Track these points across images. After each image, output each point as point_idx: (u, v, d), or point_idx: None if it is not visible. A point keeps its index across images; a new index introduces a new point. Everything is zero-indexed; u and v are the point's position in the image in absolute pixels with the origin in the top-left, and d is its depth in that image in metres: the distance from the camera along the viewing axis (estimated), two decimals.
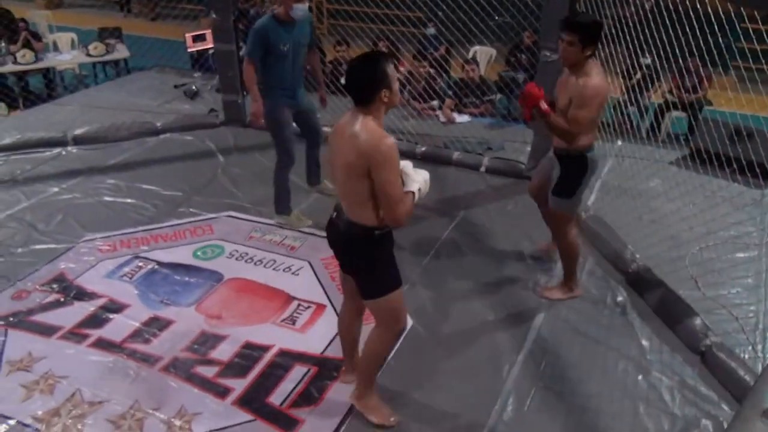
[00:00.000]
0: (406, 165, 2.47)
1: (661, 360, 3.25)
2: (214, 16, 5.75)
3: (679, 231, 4.04)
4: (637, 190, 4.54)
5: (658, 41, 4.21)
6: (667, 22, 4.06)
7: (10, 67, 8.01)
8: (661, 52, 4.34)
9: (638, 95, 6.30)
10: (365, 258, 2.53)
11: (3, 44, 8.22)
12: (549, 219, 3.68)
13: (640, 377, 3.14)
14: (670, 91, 6.78)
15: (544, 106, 3.09)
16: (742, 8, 3.27)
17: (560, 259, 3.69)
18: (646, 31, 4.39)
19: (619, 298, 3.69)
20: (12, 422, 2.87)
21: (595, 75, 3.06)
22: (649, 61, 6.33)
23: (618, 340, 3.37)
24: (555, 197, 3.41)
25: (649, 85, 6.46)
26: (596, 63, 3.14)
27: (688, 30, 3.81)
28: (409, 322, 3.49)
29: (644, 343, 3.36)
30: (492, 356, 3.28)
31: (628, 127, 6.21)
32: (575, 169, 3.30)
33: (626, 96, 6.40)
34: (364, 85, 2.33)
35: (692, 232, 3.97)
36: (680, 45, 4.03)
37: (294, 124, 4.41)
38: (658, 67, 6.23)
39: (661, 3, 4.27)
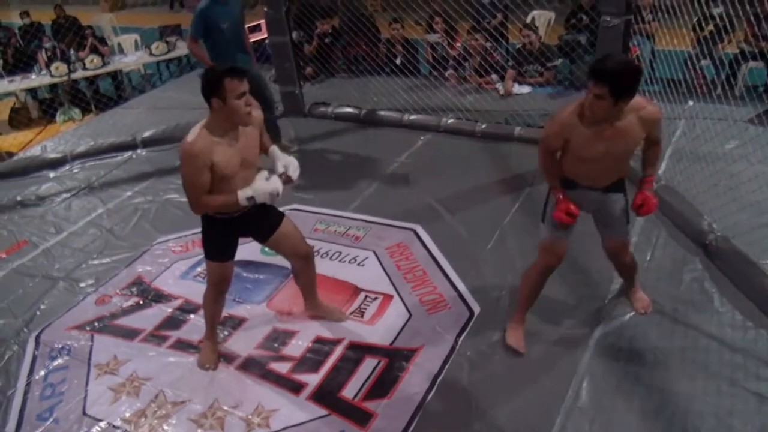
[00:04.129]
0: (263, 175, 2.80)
1: (745, 337, 3.10)
2: (265, 9, 5.78)
3: (760, 196, 3.80)
4: (712, 154, 4.30)
5: None
6: None
7: (80, 74, 8.39)
8: None
9: (711, 47, 5.95)
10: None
11: (72, 52, 8.59)
12: (623, 260, 3.21)
13: (722, 355, 3.01)
14: (746, 40, 6.36)
15: (650, 186, 2.88)
16: None
17: (632, 273, 3.30)
18: None
19: (696, 273, 3.53)
20: (103, 424, 3.03)
21: (646, 103, 2.71)
22: (720, 10, 5.96)
23: (697, 317, 3.23)
24: (629, 225, 3.07)
25: (722, 36, 6.08)
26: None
27: None
28: (477, 308, 3.48)
29: (725, 319, 3.21)
30: (564, 339, 3.21)
31: (701, 82, 5.90)
32: (625, 189, 3.01)
33: (697, 49, 6.08)
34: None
35: None
36: None
37: None
38: (731, 14, 5.86)
39: None
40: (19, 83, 8.25)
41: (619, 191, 2.97)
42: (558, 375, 3.01)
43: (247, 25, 6.99)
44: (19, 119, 8.42)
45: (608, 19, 4.34)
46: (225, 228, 2.97)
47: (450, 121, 5.63)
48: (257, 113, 2.84)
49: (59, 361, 3.46)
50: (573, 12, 7.23)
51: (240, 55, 4.98)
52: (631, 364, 3.02)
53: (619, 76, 2.47)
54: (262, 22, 6.65)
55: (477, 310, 3.46)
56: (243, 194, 2.74)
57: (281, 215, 3.17)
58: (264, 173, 2.81)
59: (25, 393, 3.27)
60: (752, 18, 5.95)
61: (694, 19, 5.87)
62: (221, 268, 3.07)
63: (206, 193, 2.74)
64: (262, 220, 3.07)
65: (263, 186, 2.75)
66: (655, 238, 3.82)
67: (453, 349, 3.23)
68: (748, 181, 3.82)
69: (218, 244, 3.02)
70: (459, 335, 3.30)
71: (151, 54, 8.75)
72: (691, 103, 5.18)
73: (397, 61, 6.71)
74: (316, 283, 3.47)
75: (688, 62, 5.87)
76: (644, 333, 3.18)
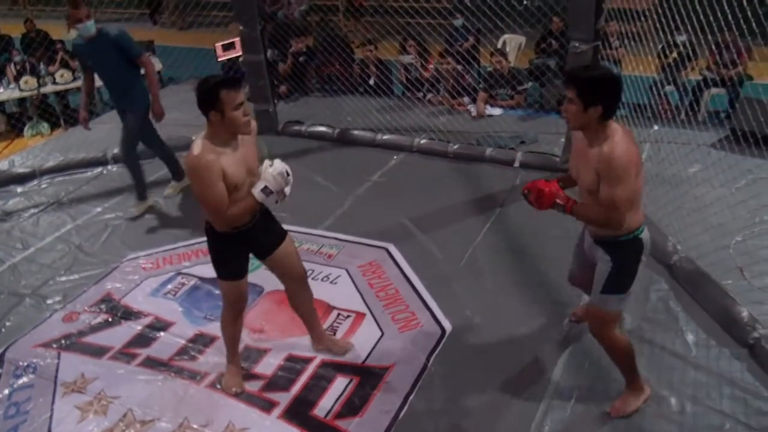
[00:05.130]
0: (265, 166, 2.76)
1: (708, 355, 3.18)
2: (241, 27, 5.81)
3: (722, 219, 3.92)
4: (676, 177, 4.43)
5: (692, 14, 4.04)
6: None
7: (50, 88, 8.28)
8: (696, 26, 4.16)
9: (675, 73, 6.14)
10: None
11: (42, 66, 8.49)
12: (590, 317, 2.89)
13: (686, 373, 3.08)
14: (708, 68, 6.58)
15: (561, 201, 2.53)
16: None
17: (613, 362, 2.90)
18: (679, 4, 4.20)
19: (662, 292, 3.62)
20: None
21: (618, 140, 2.39)
22: (684, 38, 6.16)
23: (662, 336, 3.31)
24: (606, 296, 2.69)
25: (686, 63, 6.29)
26: (617, 126, 2.47)
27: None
28: (448, 326, 3.51)
29: (689, 337, 3.29)
30: (533, 359, 3.26)
31: (666, 108, 6.08)
32: (630, 258, 2.65)
33: (662, 75, 6.28)
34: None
35: (737, 220, 3.86)
36: (715, 16, 3.89)
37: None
38: (695, 42, 6.05)
39: None
40: None
41: (609, 252, 2.65)
42: (527, 395, 3.04)
43: (220, 44, 7.05)
44: None
45: (577, 44, 4.45)
46: (232, 243, 2.90)
47: (423, 141, 5.70)
48: (253, 123, 2.82)
49: (24, 379, 3.39)
50: (543, 37, 7.40)
51: (121, 99, 4.73)
52: (599, 383, 3.07)
53: (588, 81, 2.39)
54: (237, 40, 6.66)
55: (449, 328, 3.50)
56: (257, 188, 2.71)
57: (284, 232, 3.13)
58: (265, 163, 2.77)
59: None
60: (714, 47, 6.17)
61: (659, 47, 6.07)
62: (235, 286, 3.02)
63: (227, 204, 2.67)
64: (267, 234, 3.03)
65: (270, 171, 2.72)
66: None
67: (425, 367, 3.25)
68: (710, 203, 3.94)
69: (229, 262, 2.97)
70: (431, 354, 3.33)
71: None
72: (656, 127, 5.33)
73: (371, 82, 6.79)
74: (315, 311, 3.37)
75: (654, 88, 6.06)
76: None
